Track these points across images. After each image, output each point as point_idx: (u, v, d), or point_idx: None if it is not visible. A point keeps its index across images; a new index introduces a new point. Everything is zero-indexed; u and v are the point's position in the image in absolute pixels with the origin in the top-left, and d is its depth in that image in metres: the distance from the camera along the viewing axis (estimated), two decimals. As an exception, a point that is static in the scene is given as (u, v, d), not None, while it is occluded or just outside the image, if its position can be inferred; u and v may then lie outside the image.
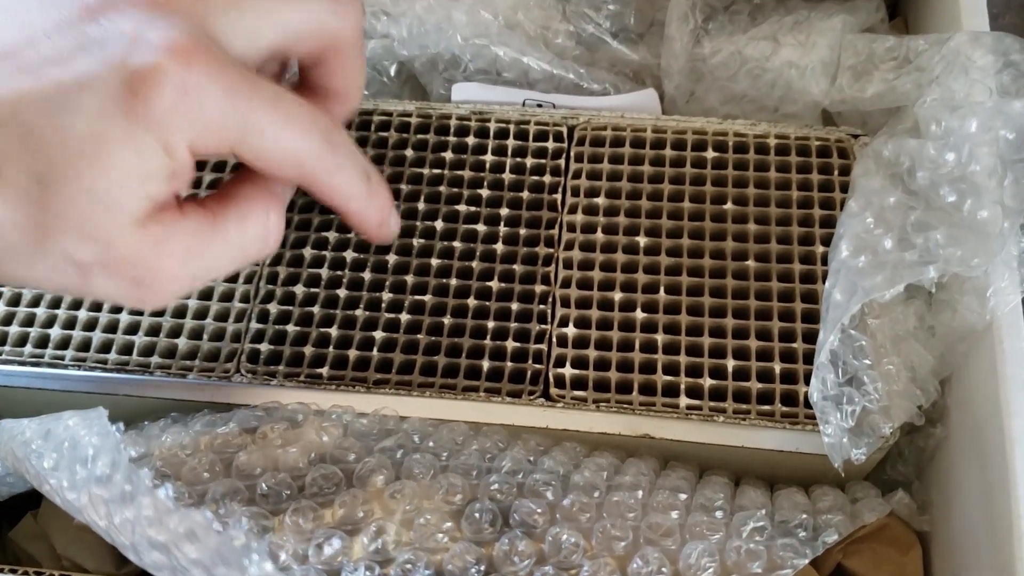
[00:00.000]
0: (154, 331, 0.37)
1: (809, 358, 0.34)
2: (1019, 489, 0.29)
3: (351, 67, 0.30)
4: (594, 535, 0.28)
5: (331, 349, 0.36)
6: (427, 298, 0.37)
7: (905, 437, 0.36)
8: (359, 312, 0.36)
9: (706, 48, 0.39)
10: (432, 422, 0.34)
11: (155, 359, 0.36)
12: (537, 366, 0.35)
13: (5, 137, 0.24)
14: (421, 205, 0.38)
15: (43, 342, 0.36)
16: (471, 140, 0.40)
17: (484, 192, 0.39)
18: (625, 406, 0.34)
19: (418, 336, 0.36)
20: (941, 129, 0.30)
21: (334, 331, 0.36)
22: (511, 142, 0.40)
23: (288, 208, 0.30)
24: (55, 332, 0.36)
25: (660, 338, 0.35)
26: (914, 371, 0.32)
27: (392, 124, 0.40)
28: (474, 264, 0.37)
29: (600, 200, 0.38)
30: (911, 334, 0.32)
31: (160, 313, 0.37)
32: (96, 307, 0.37)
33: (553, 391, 0.34)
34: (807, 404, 0.33)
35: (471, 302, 0.36)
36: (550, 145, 0.39)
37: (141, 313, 0.37)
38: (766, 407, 0.33)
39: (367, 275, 0.37)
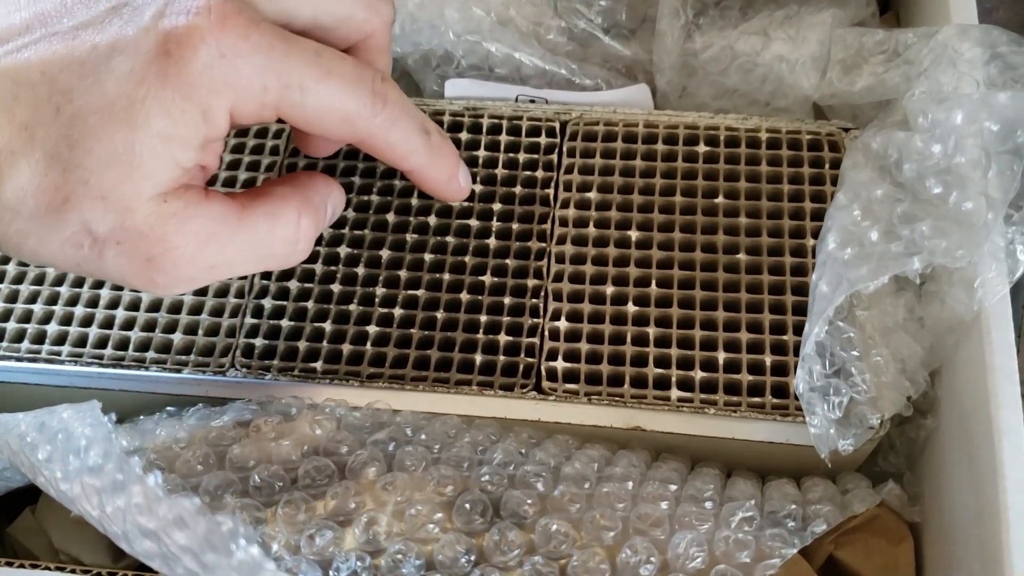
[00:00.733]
0: (150, 327, 0.37)
1: (799, 350, 0.34)
2: (1007, 480, 0.29)
3: (379, 62, 0.30)
4: (584, 525, 0.29)
5: (325, 344, 0.36)
6: (420, 293, 0.37)
7: (896, 428, 0.36)
8: (353, 307, 0.37)
9: (697, 43, 0.39)
10: (425, 415, 0.34)
11: (151, 354, 0.36)
12: (529, 360, 0.35)
13: (36, 100, 0.23)
14: (415, 200, 0.39)
15: (40, 338, 0.37)
16: (464, 136, 0.40)
17: (477, 187, 0.39)
18: (616, 399, 0.34)
19: (411, 331, 0.36)
20: (928, 121, 0.30)
21: (328, 326, 0.36)
22: (504, 137, 0.40)
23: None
24: (52, 328, 0.37)
25: (651, 331, 0.35)
26: (904, 363, 0.32)
27: (386, 120, 0.40)
28: (467, 259, 0.37)
29: (592, 195, 0.38)
30: (900, 326, 0.33)
31: (156, 308, 0.37)
32: (92, 303, 0.37)
33: (545, 384, 0.35)
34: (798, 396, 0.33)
35: (464, 296, 0.37)
36: (542, 140, 0.40)
37: (137, 308, 0.37)
38: (757, 399, 0.34)
39: (361, 270, 0.37)
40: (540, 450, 0.32)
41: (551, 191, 0.39)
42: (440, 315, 0.36)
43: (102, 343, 0.36)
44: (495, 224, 0.38)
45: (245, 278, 0.38)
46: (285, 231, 0.27)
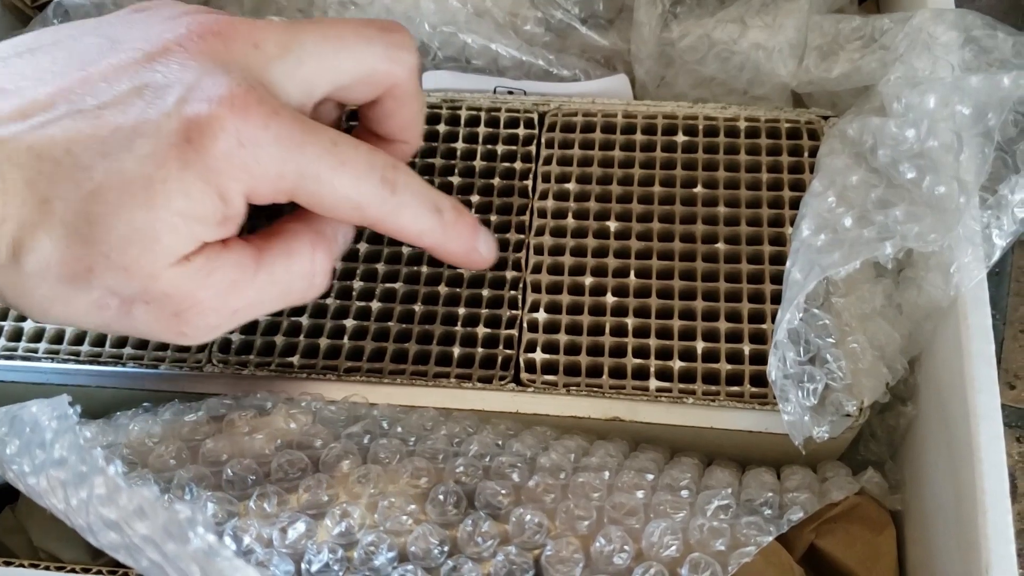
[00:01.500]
0: (127, 323, 0.37)
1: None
2: (984, 464, 0.29)
3: (408, 110, 0.31)
4: (558, 515, 0.28)
5: (302, 338, 0.36)
6: (398, 286, 0.37)
7: (877, 417, 0.36)
8: (330, 301, 0.36)
9: (675, 32, 0.39)
10: (402, 408, 0.34)
11: (127, 350, 0.36)
12: (508, 351, 0.35)
13: (58, 175, 0.24)
14: (392, 194, 0.38)
15: (16, 335, 0.37)
16: (442, 128, 0.40)
17: (455, 179, 0.39)
18: (595, 390, 0.34)
19: (389, 324, 0.36)
20: (902, 106, 0.30)
21: (305, 320, 0.36)
22: (482, 129, 0.40)
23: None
24: (28, 325, 0.37)
25: (630, 321, 0.35)
26: (882, 349, 0.32)
27: (364, 114, 0.40)
28: (445, 251, 0.37)
29: (571, 186, 0.38)
30: (878, 312, 0.32)
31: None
32: (70, 300, 0.37)
33: (524, 376, 0.35)
34: (776, 384, 0.33)
35: (442, 289, 0.36)
36: (521, 132, 0.39)
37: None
38: (735, 388, 0.34)
39: (338, 264, 0.37)
40: (517, 441, 0.32)
41: (530, 183, 0.38)
42: (418, 308, 0.36)
43: (79, 340, 0.36)
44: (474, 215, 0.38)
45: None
46: (301, 267, 0.28)
